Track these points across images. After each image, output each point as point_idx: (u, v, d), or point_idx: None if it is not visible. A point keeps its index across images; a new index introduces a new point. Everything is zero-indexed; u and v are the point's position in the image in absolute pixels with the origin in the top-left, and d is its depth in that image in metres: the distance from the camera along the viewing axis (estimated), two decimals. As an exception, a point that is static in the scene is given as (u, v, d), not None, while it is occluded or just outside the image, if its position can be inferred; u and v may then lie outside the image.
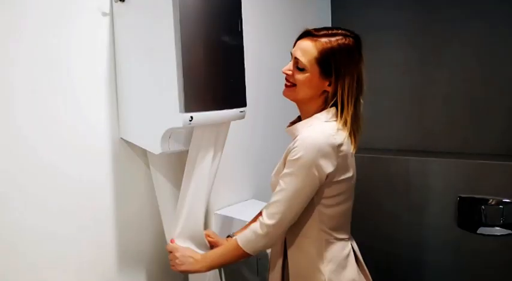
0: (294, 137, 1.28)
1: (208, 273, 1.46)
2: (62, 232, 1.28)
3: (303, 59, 1.26)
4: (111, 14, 1.36)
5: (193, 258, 1.34)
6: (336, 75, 1.25)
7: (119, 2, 1.33)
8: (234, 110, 1.39)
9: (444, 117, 2.28)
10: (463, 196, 2.11)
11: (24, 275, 1.20)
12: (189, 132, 1.37)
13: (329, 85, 1.26)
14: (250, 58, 1.60)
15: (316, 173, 1.19)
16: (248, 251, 1.25)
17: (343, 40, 1.25)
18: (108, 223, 1.40)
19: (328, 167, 1.20)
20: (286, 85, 1.32)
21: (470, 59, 2.20)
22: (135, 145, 1.41)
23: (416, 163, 2.25)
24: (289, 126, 1.36)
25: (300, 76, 1.27)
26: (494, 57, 2.14)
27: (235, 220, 1.72)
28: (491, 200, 2.04)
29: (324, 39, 1.25)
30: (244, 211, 1.82)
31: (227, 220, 1.75)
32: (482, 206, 2.05)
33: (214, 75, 1.33)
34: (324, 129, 1.22)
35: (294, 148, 1.21)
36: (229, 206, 1.84)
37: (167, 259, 1.59)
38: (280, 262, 1.33)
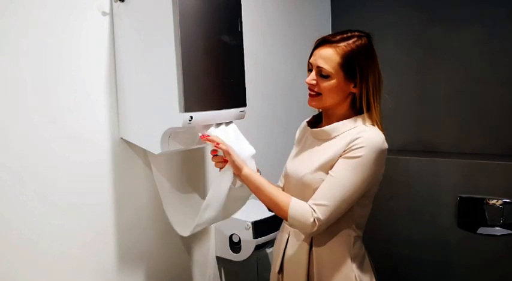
0: (329, 137, 1.32)
1: (208, 273, 1.46)
2: (62, 232, 1.28)
3: (327, 67, 1.28)
4: (111, 14, 1.37)
5: (241, 160, 1.31)
6: (361, 77, 1.28)
7: (119, 2, 1.33)
8: (234, 110, 1.39)
9: (444, 117, 2.28)
10: (463, 196, 2.11)
11: (24, 275, 1.20)
12: (188, 132, 1.37)
13: (354, 87, 1.30)
14: (250, 58, 1.60)
15: (374, 173, 1.25)
16: (288, 219, 1.25)
17: (360, 41, 1.30)
18: (108, 222, 1.40)
19: (382, 168, 1.29)
20: (310, 95, 1.34)
21: (470, 59, 2.20)
22: (135, 144, 1.41)
23: (416, 163, 2.25)
24: (318, 126, 1.40)
25: (325, 84, 1.30)
26: (494, 57, 2.14)
27: (235, 220, 1.72)
28: (491, 200, 2.04)
29: (342, 44, 1.28)
30: (244, 210, 1.82)
31: (227, 220, 1.75)
32: (482, 206, 2.05)
33: (214, 75, 1.33)
34: (381, 133, 1.28)
35: (357, 146, 1.23)
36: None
37: (167, 259, 1.60)
38: (305, 258, 1.33)
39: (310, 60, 1.34)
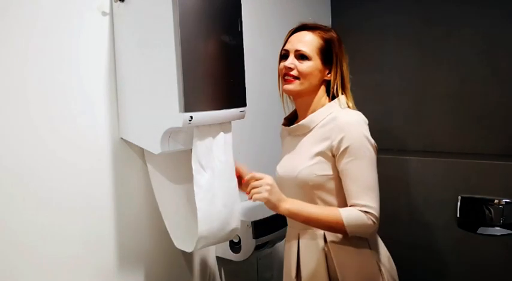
0: (308, 130, 1.35)
1: (208, 273, 1.46)
2: (62, 232, 1.28)
3: (306, 49, 1.34)
4: (111, 14, 1.36)
5: (281, 195, 1.27)
6: (336, 63, 1.35)
7: (119, 2, 1.33)
8: (234, 110, 1.39)
9: (444, 117, 2.28)
10: (463, 196, 2.11)
11: (24, 276, 1.20)
12: (188, 132, 1.37)
13: (328, 74, 1.36)
14: (250, 58, 1.60)
15: (372, 148, 1.29)
16: (349, 233, 1.26)
17: (334, 33, 1.39)
18: (108, 222, 1.40)
19: (371, 139, 1.30)
20: (287, 80, 1.36)
21: (470, 59, 2.20)
22: (135, 144, 1.41)
23: (416, 163, 2.25)
24: (294, 122, 1.42)
25: (304, 66, 1.34)
26: (494, 57, 2.14)
27: (235, 220, 1.72)
28: (491, 200, 2.04)
29: (321, 31, 1.37)
30: (244, 210, 1.82)
31: (227, 220, 1.75)
32: (482, 206, 2.05)
33: (214, 75, 1.33)
34: (356, 112, 1.33)
35: (344, 131, 1.27)
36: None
37: (167, 259, 1.59)
38: (322, 256, 1.33)
39: (285, 47, 1.38)
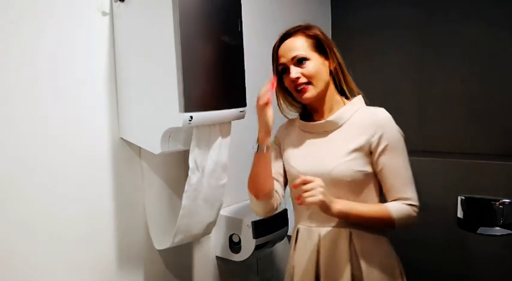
0: (336, 126, 1.35)
1: (208, 273, 1.46)
2: (62, 232, 1.28)
3: (301, 52, 1.33)
4: (111, 14, 1.36)
5: (331, 196, 1.26)
6: (330, 52, 1.36)
7: (119, 2, 1.33)
8: (234, 110, 1.39)
9: (444, 117, 2.28)
10: (463, 196, 2.11)
11: (24, 276, 1.20)
12: (188, 132, 1.37)
13: (329, 63, 1.36)
14: (250, 58, 1.60)
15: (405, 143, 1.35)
16: (397, 224, 1.30)
17: (313, 25, 1.39)
18: (108, 222, 1.40)
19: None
20: (301, 90, 1.34)
21: (470, 59, 2.20)
22: (135, 144, 1.41)
23: (416, 163, 2.24)
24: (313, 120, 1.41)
25: (308, 68, 1.33)
26: (494, 57, 2.14)
27: (235, 220, 1.72)
28: (491, 200, 2.04)
29: (302, 30, 1.36)
30: (244, 211, 1.82)
31: (227, 220, 1.75)
32: (482, 206, 2.05)
33: (214, 75, 1.33)
34: (384, 109, 1.38)
35: (384, 128, 1.32)
36: (228, 206, 1.83)
37: (167, 259, 1.59)
38: (346, 249, 1.32)
39: (280, 62, 1.36)
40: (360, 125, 1.34)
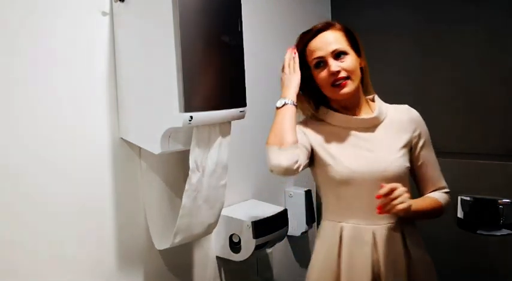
0: (379, 121, 1.38)
1: (208, 273, 1.46)
2: (61, 232, 1.28)
3: (340, 46, 1.33)
4: (111, 14, 1.36)
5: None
6: (360, 51, 1.37)
7: (119, 2, 1.33)
8: (234, 110, 1.39)
9: (444, 117, 2.28)
10: (463, 196, 2.11)
11: (24, 276, 1.20)
12: (188, 132, 1.37)
13: (360, 61, 1.38)
14: (250, 58, 1.60)
15: None
16: (444, 213, 1.42)
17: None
18: (108, 222, 1.40)
19: None
20: (339, 85, 1.32)
21: (471, 58, 2.20)
22: (135, 144, 1.41)
23: (416, 163, 2.25)
24: (354, 114, 1.40)
25: (347, 62, 1.32)
26: (495, 57, 2.14)
27: (235, 220, 1.72)
28: (491, 200, 2.04)
29: (335, 25, 1.37)
30: (244, 210, 1.82)
31: (227, 220, 1.75)
32: (482, 206, 2.05)
33: (214, 75, 1.33)
34: None
35: (420, 124, 1.41)
36: (229, 206, 1.83)
37: (167, 259, 1.59)
38: (400, 244, 1.36)
39: (318, 55, 1.33)
40: (399, 122, 1.38)
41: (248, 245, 1.70)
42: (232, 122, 1.43)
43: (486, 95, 2.17)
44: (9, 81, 1.15)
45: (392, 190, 1.21)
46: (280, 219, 1.84)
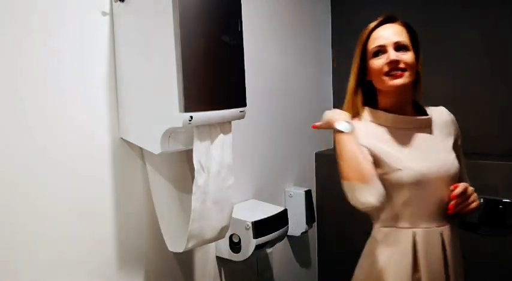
0: (431, 122, 1.38)
1: (208, 273, 1.46)
2: (61, 232, 1.28)
3: (403, 39, 1.32)
4: (111, 14, 1.36)
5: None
6: (419, 54, 1.36)
7: (119, 2, 1.33)
8: (234, 110, 1.39)
9: (444, 117, 2.28)
10: (463, 196, 2.11)
11: (23, 276, 1.20)
12: (188, 132, 1.37)
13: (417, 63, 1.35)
14: (250, 58, 1.60)
15: None
16: None
17: None
18: (108, 223, 1.40)
19: None
20: (396, 75, 1.29)
21: (470, 58, 2.20)
22: (135, 144, 1.41)
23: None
24: (414, 115, 1.40)
25: (408, 57, 1.31)
26: (494, 57, 2.14)
27: (235, 220, 1.72)
28: (491, 200, 2.04)
29: (401, 21, 1.37)
30: (244, 210, 1.82)
31: (227, 220, 1.75)
32: (482, 206, 2.05)
33: (214, 75, 1.33)
34: None
35: (457, 125, 1.43)
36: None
37: (167, 259, 1.59)
38: (458, 242, 1.39)
39: (380, 43, 1.32)
40: (445, 123, 1.41)
41: (248, 245, 1.70)
42: (232, 122, 1.43)
43: (486, 95, 2.17)
44: (8, 81, 1.15)
45: (465, 189, 1.27)
46: (280, 219, 1.84)
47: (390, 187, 1.30)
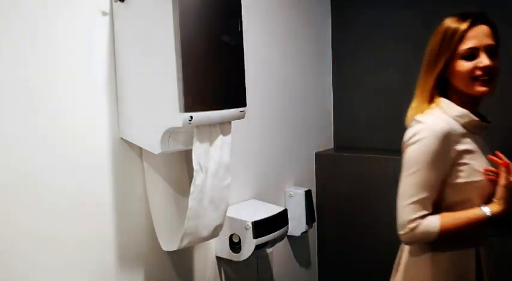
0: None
1: (208, 273, 1.45)
2: (61, 232, 1.28)
3: (494, 43, 1.23)
4: (111, 14, 1.36)
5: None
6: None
7: (119, 2, 1.33)
8: (234, 110, 1.39)
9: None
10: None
11: (23, 276, 1.20)
12: (188, 132, 1.37)
13: None
14: (250, 58, 1.60)
15: None
16: None
17: None
18: (108, 222, 1.40)
19: None
20: (483, 81, 1.23)
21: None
22: (135, 144, 1.41)
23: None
24: (481, 120, 1.32)
25: (497, 63, 1.23)
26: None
27: (235, 220, 1.72)
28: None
29: (494, 29, 1.26)
30: (244, 210, 1.82)
31: (227, 220, 1.75)
32: (482, 206, 2.05)
33: (214, 75, 1.33)
34: None
35: None
36: (229, 206, 1.83)
37: (167, 259, 1.59)
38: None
39: (472, 45, 1.23)
40: None
41: (248, 245, 1.70)
42: (232, 122, 1.43)
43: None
44: (9, 81, 1.15)
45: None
46: (280, 219, 1.84)
47: (461, 201, 1.27)
